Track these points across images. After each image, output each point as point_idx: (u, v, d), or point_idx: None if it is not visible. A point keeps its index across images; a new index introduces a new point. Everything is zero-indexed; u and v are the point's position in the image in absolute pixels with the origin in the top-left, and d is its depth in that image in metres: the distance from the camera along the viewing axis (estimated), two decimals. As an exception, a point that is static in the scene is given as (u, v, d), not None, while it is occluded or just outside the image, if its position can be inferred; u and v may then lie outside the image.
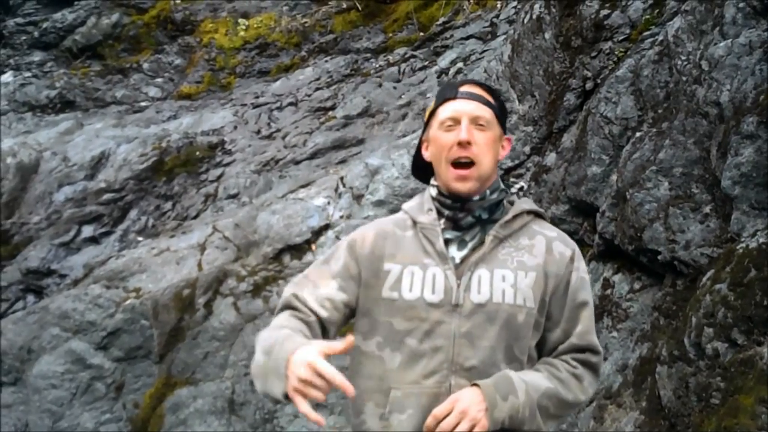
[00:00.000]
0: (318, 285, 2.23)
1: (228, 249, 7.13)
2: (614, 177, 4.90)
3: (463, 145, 2.16)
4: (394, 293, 2.15)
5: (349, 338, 1.93)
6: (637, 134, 4.89)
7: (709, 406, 3.39)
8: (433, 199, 2.25)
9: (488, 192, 2.20)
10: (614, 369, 4.33)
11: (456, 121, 2.19)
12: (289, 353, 1.94)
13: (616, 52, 5.67)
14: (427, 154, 2.30)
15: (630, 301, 4.57)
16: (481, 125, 2.19)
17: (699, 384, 3.47)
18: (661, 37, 5.11)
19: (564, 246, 2.24)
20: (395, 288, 2.15)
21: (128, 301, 6.74)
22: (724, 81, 4.29)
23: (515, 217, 2.22)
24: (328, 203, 7.28)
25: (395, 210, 7.75)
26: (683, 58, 4.78)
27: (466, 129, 2.16)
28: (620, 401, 4.06)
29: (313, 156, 8.59)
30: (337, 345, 1.91)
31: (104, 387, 6.49)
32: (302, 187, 7.69)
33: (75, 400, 6.46)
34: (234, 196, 8.47)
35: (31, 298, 7.98)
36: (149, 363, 6.56)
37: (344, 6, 11.39)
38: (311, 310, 2.19)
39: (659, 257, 4.31)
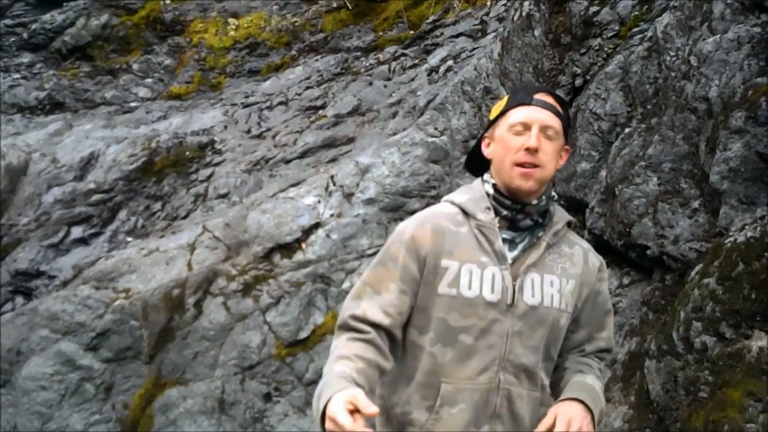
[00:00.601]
0: (378, 290, 2.22)
1: (218, 249, 7.11)
2: (603, 173, 4.90)
3: (531, 151, 2.20)
4: (453, 290, 2.18)
5: (373, 409, 1.95)
6: (626, 130, 4.89)
7: (697, 400, 3.39)
8: (489, 196, 2.27)
9: (544, 198, 2.27)
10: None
11: (526, 127, 2.22)
12: (325, 402, 1.99)
13: (606, 49, 5.67)
14: (488, 151, 2.33)
15: (619, 296, 4.57)
16: (549, 135, 2.23)
17: (687, 378, 3.47)
18: (650, 33, 5.11)
19: (595, 258, 2.39)
20: (453, 285, 2.18)
21: (117, 302, 6.72)
22: (713, 76, 4.29)
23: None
24: (319, 202, 7.26)
25: (386, 208, 7.73)
26: (672, 54, 4.78)
27: (536, 137, 2.20)
28: (609, 396, 4.05)
29: (303, 155, 8.57)
30: (366, 406, 1.94)
31: (94, 388, 6.46)
32: (292, 186, 7.68)
33: (64, 402, 6.42)
34: (224, 196, 8.44)
35: (20, 299, 7.94)
36: (139, 363, 6.53)
37: (334, 5, 11.36)
38: (372, 324, 2.19)
39: (648, 252, 4.31)
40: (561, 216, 2.33)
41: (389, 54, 9.95)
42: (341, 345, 2.18)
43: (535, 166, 2.20)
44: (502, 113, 2.30)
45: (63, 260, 8.21)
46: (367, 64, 9.97)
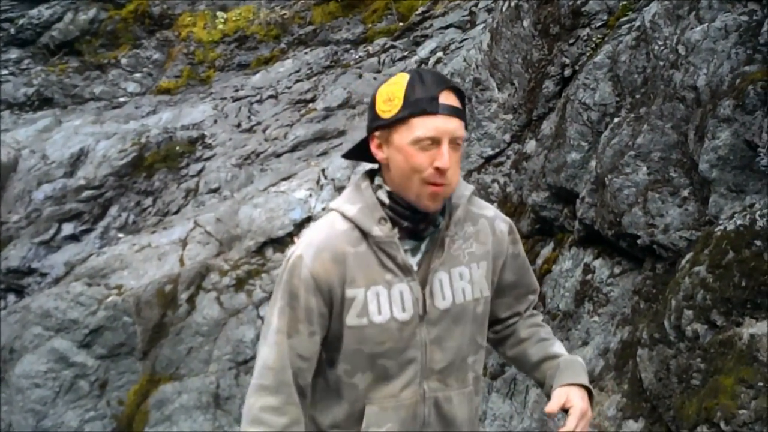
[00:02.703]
0: (291, 335, 2.04)
1: (210, 244, 7.11)
2: (593, 163, 4.91)
3: (442, 171, 1.96)
4: (363, 320, 2.02)
5: None
6: (616, 120, 4.90)
7: (689, 388, 3.41)
8: (385, 206, 2.04)
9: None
10: (596, 353, 4.35)
11: (435, 142, 1.95)
12: None
13: (594, 39, 5.68)
14: (381, 155, 2.05)
15: (610, 285, 4.58)
16: (457, 144, 1.99)
17: (680, 366, 3.49)
18: (638, 23, 5.12)
19: (502, 223, 2.22)
20: (363, 314, 2.02)
21: (110, 299, 6.72)
22: (701, 65, 4.30)
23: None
24: (310, 195, 7.27)
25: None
26: (660, 43, 4.79)
27: (447, 156, 1.95)
28: (602, 385, 4.08)
29: (294, 148, 8.58)
30: None
31: (88, 385, 6.47)
32: (284, 180, 7.68)
33: (59, 399, 6.43)
34: (215, 191, 8.44)
35: (12, 297, 7.93)
36: (133, 360, 6.54)
37: (322, -3, 11.37)
38: (292, 382, 2.04)
39: (639, 241, 4.32)
40: (459, 195, 2.12)
41: (379, 46, 9.95)
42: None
43: (443, 184, 1.98)
44: (403, 119, 1.97)
45: (54, 257, 8.20)
46: (357, 57, 9.97)
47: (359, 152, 2.17)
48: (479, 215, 2.18)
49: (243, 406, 2.16)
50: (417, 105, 1.97)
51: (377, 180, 2.09)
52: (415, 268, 2.06)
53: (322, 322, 2.05)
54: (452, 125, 1.97)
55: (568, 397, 2.10)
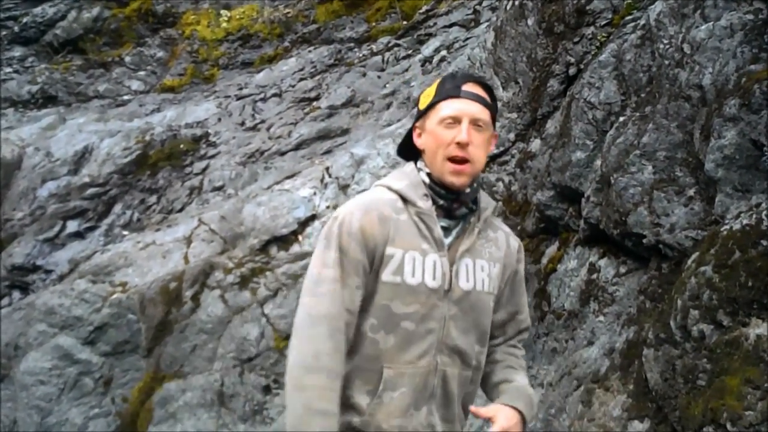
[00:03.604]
0: (346, 284, 2.22)
1: (214, 241, 7.12)
2: (598, 162, 4.90)
3: (462, 145, 2.24)
4: (397, 277, 2.22)
5: None
6: (621, 119, 4.89)
7: (695, 388, 3.41)
8: (426, 185, 2.31)
9: (475, 184, 2.34)
10: (601, 353, 4.35)
11: (457, 120, 2.26)
12: None
13: (599, 37, 5.67)
14: (419, 142, 2.36)
15: (616, 285, 4.58)
16: (479, 126, 2.28)
17: (685, 366, 3.49)
18: (643, 21, 5.11)
19: (514, 240, 2.50)
20: (398, 272, 2.22)
21: (115, 296, 6.72)
22: (706, 64, 4.30)
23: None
24: (314, 194, 7.27)
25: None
26: (665, 41, 4.79)
27: (466, 131, 2.24)
28: (608, 385, 4.07)
29: (298, 147, 8.58)
30: None
31: (92, 382, 6.47)
32: (288, 178, 7.68)
33: (63, 396, 6.44)
34: (219, 189, 8.45)
35: (16, 294, 7.94)
36: (137, 357, 6.54)
37: (326, -5, 11.36)
38: (339, 326, 2.19)
39: (644, 241, 4.32)
40: (487, 202, 2.41)
41: (382, 45, 9.95)
42: (321, 344, 2.16)
43: (466, 161, 2.25)
44: (432, 105, 2.32)
45: (59, 254, 8.21)
46: (361, 55, 9.97)
47: (406, 148, 2.45)
48: (498, 227, 2.47)
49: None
50: (444, 93, 2.32)
51: (419, 164, 2.37)
52: (446, 247, 2.29)
53: (365, 277, 2.25)
54: (473, 108, 2.28)
55: (497, 414, 2.26)
